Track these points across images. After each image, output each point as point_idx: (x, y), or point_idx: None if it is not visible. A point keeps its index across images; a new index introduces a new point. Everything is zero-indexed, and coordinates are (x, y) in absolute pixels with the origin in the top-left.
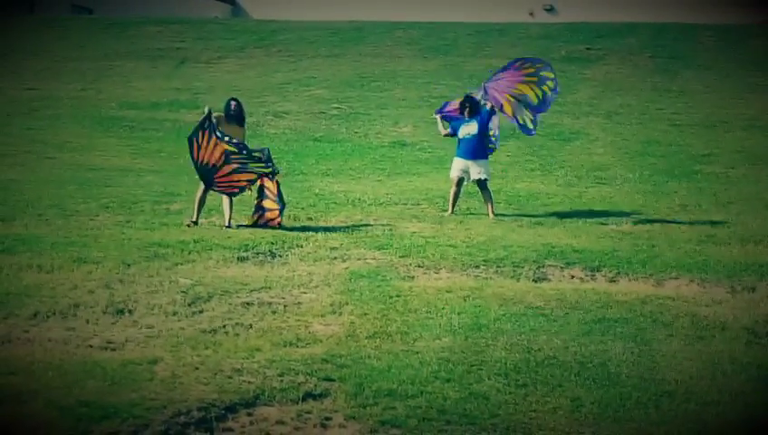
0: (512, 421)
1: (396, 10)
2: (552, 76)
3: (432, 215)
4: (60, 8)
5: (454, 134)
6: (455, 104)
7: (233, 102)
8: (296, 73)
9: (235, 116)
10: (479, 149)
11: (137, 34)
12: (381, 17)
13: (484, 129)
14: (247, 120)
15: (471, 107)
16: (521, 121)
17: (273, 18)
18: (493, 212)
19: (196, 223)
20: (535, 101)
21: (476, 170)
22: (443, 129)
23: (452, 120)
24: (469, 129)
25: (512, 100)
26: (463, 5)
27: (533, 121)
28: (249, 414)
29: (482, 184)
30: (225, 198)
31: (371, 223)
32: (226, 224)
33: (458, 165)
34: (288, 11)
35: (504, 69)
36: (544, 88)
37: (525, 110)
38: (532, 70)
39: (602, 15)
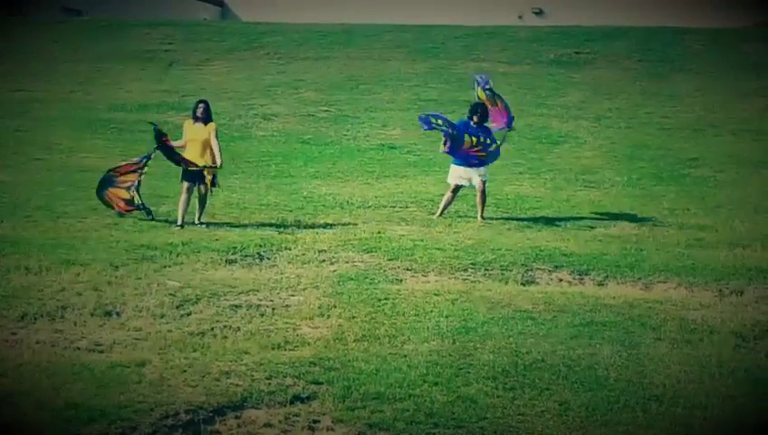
0: (500, 425)
1: (385, 13)
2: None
3: (420, 218)
4: (49, 10)
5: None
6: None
7: (201, 105)
8: (285, 76)
9: (202, 117)
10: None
11: (126, 36)
12: (370, 20)
13: (486, 140)
14: (235, 122)
15: (481, 114)
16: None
17: (262, 20)
18: (482, 215)
19: (182, 226)
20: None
21: (478, 176)
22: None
23: (455, 125)
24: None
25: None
26: (452, 8)
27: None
28: (237, 417)
29: (481, 187)
30: (199, 199)
31: (360, 226)
32: (197, 222)
33: (458, 172)
34: (277, 13)
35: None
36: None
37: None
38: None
39: (591, 19)
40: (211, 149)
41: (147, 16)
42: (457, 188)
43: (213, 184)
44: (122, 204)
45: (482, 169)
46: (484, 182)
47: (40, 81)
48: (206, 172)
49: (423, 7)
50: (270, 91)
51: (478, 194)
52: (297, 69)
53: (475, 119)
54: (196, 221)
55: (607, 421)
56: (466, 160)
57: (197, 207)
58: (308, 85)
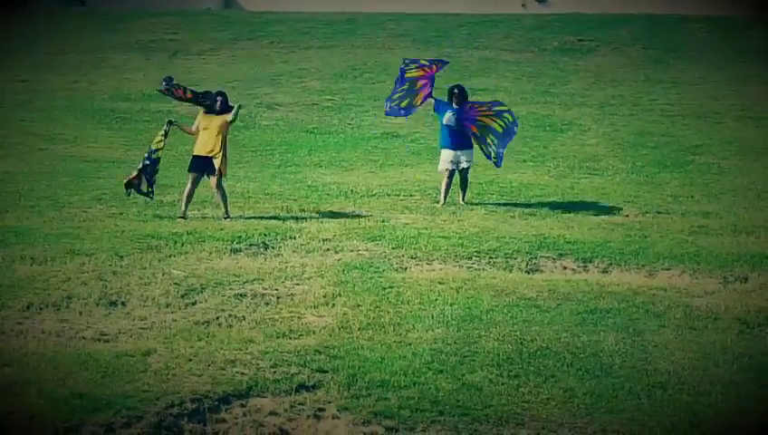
0: (504, 412)
1: (388, 2)
2: (507, 109)
3: (425, 206)
4: (52, 0)
5: (436, 110)
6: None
7: (219, 98)
8: (289, 65)
9: (219, 110)
10: (465, 137)
11: (129, 26)
12: (374, 9)
13: (463, 122)
14: (240, 111)
15: (459, 95)
16: (485, 151)
17: (266, 10)
18: (464, 199)
19: (184, 217)
20: (500, 130)
21: (464, 160)
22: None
23: (438, 105)
24: (451, 118)
25: (479, 127)
26: None
27: (498, 154)
28: (242, 405)
29: (464, 171)
30: (218, 193)
31: (364, 214)
32: (225, 215)
33: (448, 156)
34: (280, 2)
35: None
36: (505, 118)
37: (490, 138)
38: (486, 109)
39: (595, 7)
40: (221, 140)
41: (150, 6)
42: (452, 173)
43: (217, 172)
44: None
45: (468, 152)
46: (467, 168)
47: (43, 71)
48: (215, 163)
49: None
50: (274, 81)
51: (460, 177)
52: (301, 58)
53: (454, 102)
54: (224, 215)
55: (612, 408)
56: (453, 143)
57: (221, 201)
58: (312, 74)
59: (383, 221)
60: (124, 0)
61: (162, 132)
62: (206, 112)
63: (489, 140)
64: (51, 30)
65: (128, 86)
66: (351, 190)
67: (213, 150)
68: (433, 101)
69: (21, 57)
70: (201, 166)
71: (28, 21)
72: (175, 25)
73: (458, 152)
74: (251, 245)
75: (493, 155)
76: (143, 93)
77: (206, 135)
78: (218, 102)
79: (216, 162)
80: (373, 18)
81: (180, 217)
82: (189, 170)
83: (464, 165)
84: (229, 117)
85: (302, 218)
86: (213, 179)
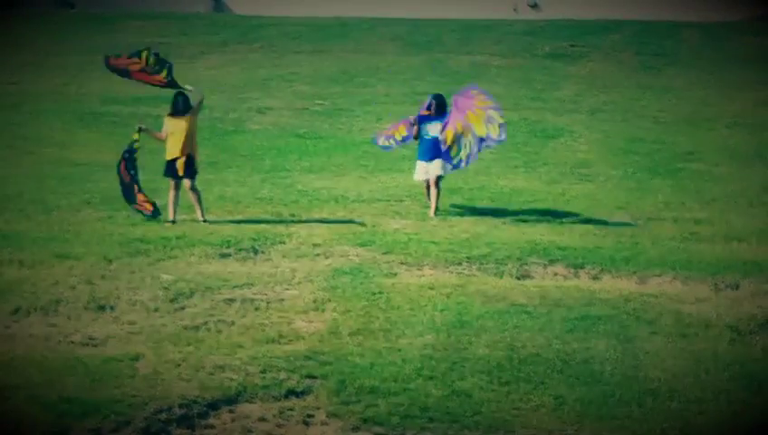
0: (494, 419)
1: (379, 6)
2: (501, 121)
3: (415, 211)
4: (42, 3)
5: (419, 124)
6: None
7: (180, 97)
8: (279, 69)
9: (183, 110)
10: (439, 149)
11: (119, 29)
12: (365, 13)
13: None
14: (229, 115)
15: (438, 105)
16: (452, 154)
17: (256, 14)
18: (434, 212)
19: (173, 221)
20: (480, 133)
21: (435, 169)
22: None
23: (421, 121)
24: (433, 128)
25: (459, 127)
26: (447, 1)
27: (469, 156)
28: (231, 411)
29: (437, 180)
30: (192, 195)
31: (354, 219)
32: (201, 219)
33: (422, 168)
34: (270, 6)
35: (459, 94)
36: (490, 128)
37: (467, 140)
38: (483, 103)
39: (587, 12)
40: (191, 140)
41: (140, 9)
42: (428, 182)
43: (192, 173)
44: (149, 205)
45: (437, 162)
46: (438, 177)
47: (32, 73)
48: (178, 165)
49: (418, 0)
50: (264, 85)
51: (432, 189)
52: (291, 62)
53: (432, 111)
54: (200, 218)
55: (602, 416)
56: (427, 156)
57: (195, 203)
58: (302, 79)
59: (373, 226)
60: (114, 3)
61: (135, 136)
62: (171, 115)
63: (464, 143)
64: (40, 33)
65: (117, 89)
66: (342, 195)
67: (182, 153)
68: (417, 120)
69: (10, 60)
70: (176, 170)
71: (17, 23)
72: (164, 29)
73: (430, 164)
74: (240, 249)
75: (455, 162)
76: (132, 97)
77: (174, 138)
78: (179, 102)
79: (180, 163)
80: (364, 22)
81: (170, 222)
82: (165, 175)
83: (434, 173)
84: (195, 111)
85: (292, 223)
86: (187, 182)
